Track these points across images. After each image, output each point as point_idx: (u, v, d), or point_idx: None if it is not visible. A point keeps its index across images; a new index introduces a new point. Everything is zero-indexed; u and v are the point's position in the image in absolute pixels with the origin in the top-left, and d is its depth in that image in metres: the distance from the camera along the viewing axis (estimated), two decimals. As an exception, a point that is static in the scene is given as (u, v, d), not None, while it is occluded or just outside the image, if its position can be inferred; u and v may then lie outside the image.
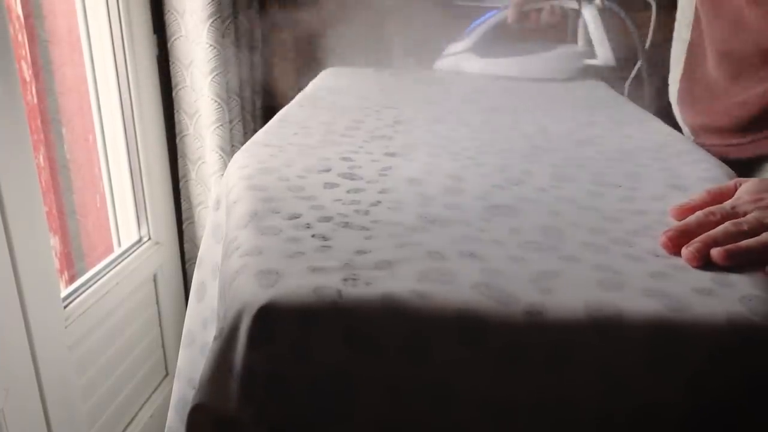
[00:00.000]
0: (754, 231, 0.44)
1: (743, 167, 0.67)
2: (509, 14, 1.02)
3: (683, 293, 0.38)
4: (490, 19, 1.04)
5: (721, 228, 0.45)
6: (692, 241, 0.44)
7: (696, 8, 0.74)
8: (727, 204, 0.48)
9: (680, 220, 0.48)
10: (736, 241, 0.43)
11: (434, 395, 0.37)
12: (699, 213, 0.47)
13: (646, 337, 0.36)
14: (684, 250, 0.43)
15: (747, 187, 0.49)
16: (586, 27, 1.04)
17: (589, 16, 1.01)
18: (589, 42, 1.04)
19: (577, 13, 1.04)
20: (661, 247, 0.45)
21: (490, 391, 0.37)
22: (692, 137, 0.78)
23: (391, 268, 0.40)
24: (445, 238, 0.44)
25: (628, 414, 0.37)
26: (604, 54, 1.01)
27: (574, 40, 1.12)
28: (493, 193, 0.53)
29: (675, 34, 0.83)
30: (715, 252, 0.42)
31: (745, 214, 0.46)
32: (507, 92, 0.95)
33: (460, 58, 1.07)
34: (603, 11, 1.00)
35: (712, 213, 0.47)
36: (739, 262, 0.42)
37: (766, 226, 0.45)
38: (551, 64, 1.04)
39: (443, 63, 1.10)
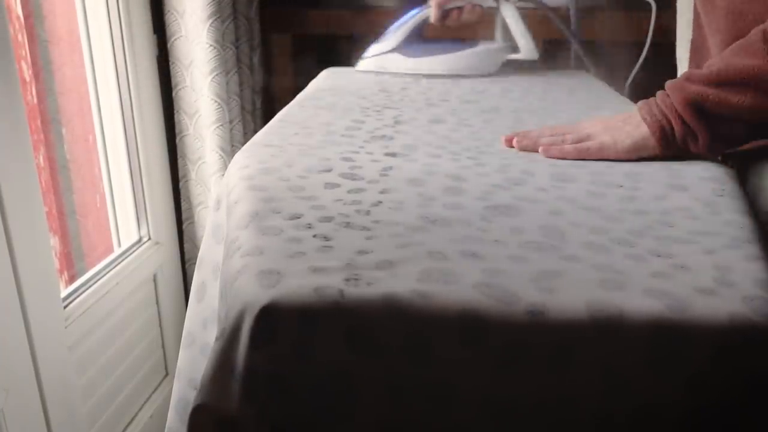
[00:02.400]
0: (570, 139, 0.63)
1: (742, 161, 0.66)
2: (432, 13, 1.04)
3: (685, 293, 0.38)
4: (412, 19, 1.06)
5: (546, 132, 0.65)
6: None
7: (695, 5, 0.74)
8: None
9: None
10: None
11: (435, 395, 0.37)
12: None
13: (648, 337, 0.36)
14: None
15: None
16: (504, 23, 1.08)
17: (508, 12, 1.06)
18: (509, 38, 1.09)
19: (496, 11, 1.08)
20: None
21: (491, 391, 0.37)
22: None
23: (392, 268, 0.40)
24: (446, 238, 0.44)
25: (629, 413, 0.37)
26: (527, 48, 1.07)
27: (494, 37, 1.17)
28: (493, 193, 0.53)
29: (678, 35, 0.83)
30: (516, 140, 0.65)
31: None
32: (507, 93, 0.95)
33: (385, 58, 1.07)
34: (522, 7, 1.07)
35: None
36: (528, 148, 0.64)
37: (577, 137, 0.62)
38: (474, 60, 1.07)
39: (366, 64, 1.09)
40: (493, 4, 1.06)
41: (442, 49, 1.07)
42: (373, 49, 1.09)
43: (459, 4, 1.03)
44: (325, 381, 0.37)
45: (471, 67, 1.07)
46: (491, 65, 1.08)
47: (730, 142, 0.61)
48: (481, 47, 1.09)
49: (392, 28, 1.08)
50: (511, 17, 1.06)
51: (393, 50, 1.06)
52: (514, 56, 1.09)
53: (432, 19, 1.04)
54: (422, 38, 1.08)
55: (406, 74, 1.06)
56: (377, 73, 1.07)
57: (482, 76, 1.06)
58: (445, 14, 1.04)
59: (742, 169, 0.69)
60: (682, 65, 0.82)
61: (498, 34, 1.14)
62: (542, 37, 1.05)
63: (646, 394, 0.37)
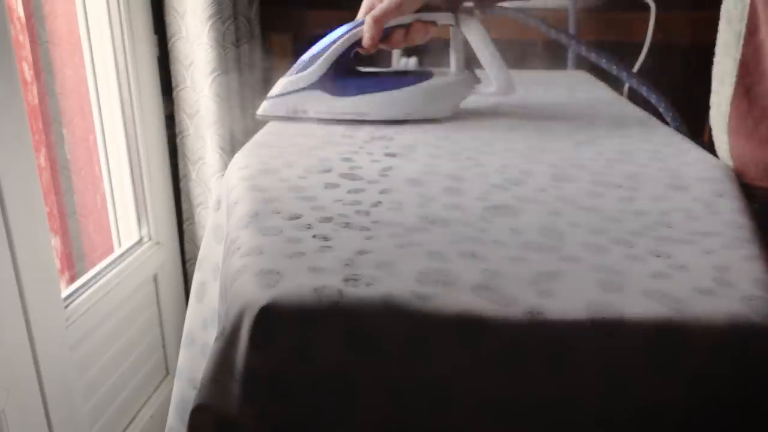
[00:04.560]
0: None
1: None
2: (365, 36, 0.73)
3: (684, 293, 0.38)
4: (338, 42, 0.74)
5: None
6: None
7: (751, 18, 0.61)
8: None
9: None
10: None
11: (435, 396, 0.37)
12: None
13: (647, 338, 0.36)
14: None
15: None
16: (462, 48, 0.78)
17: (473, 32, 0.75)
18: (464, 66, 0.79)
19: (455, 30, 0.77)
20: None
21: (491, 392, 0.37)
22: (735, 172, 0.63)
23: (391, 269, 0.40)
24: (446, 239, 0.44)
25: (629, 415, 0.37)
26: (501, 81, 0.78)
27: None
28: (493, 194, 0.53)
29: (719, 49, 0.67)
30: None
31: None
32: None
33: (302, 98, 0.75)
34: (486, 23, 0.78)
35: None
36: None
37: None
38: (425, 100, 0.77)
39: (273, 105, 0.76)
40: (451, 22, 0.75)
41: (381, 85, 0.76)
42: (283, 84, 0.76)
43: (405, 20, 0.73)
44: (325, 381, 0.37)
45: (420, 110, 0.76)
46: (449, 106, 0.79)
47: None
48: (435, 81, 0.77)
49: (308, 55, 0.75)
50: (477, 40, 0.75)
51: (313, 86, 0.74)
52: (484, 92, 0.80)
53: (365, 42, 0.73)
54: (348, 69, 0.77)
55: (331, 120, 0.75)
56: (288, 119, 0.76)
57: (436, 121, 0.78)
58: (385, 35, 0.73)
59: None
60: (724, 86, 0.65)
61: (453, 59, 0.79)
62: (541, 37, 1.03)
63: (646, 394, 0.37)
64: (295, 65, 0.75)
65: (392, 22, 0.73)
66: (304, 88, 0.75)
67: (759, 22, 0.60)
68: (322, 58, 0.74)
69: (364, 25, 0.73)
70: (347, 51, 0.75)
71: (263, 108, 0.76)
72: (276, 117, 0.76)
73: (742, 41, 0.63)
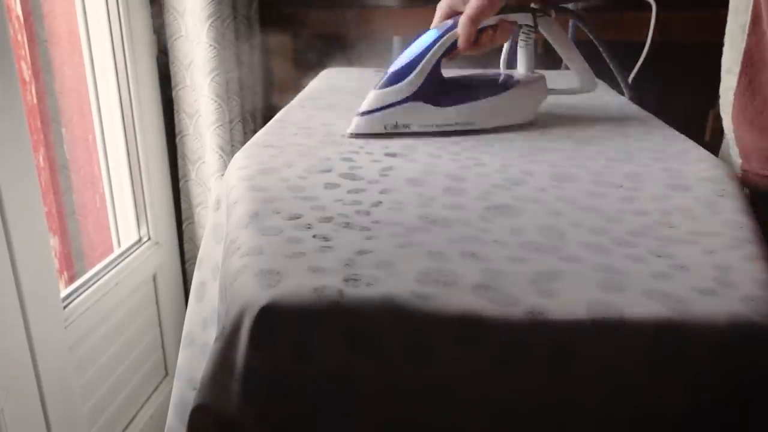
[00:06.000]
0: None
1: None
2: (461, 38, 0.70)
3: (684, 294, 0.38)
4: (433, 49, 0.70)
5: None
6: None
7: (755, 9, 0.62)
8: None
9: None
10: None
11: (435, 396, 0.37)
12: None
13: (648, 338, 0.36)
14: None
15: None
16: (533, 48, 0.79)
17: (555, 33, 0.77)
18: (529, 65, 0.80)
19: (528, 30, 0.78)
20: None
21: (491, 392, 0.37)
22: (740, 160, 0.66)
23: (391, 269, 0.40)
24: (446, 239, 0.44)
25: (629, 414, 0.37)
26: (586, 79, 0.80)
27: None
28: (493, 193, 0.53)
29: (727, 40, 0.69)
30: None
31: None
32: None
33: (402, 111, 0.70)
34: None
35: None
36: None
37: None
38: (524, 104, 0.77)
39: (368, 122, 0.70)
40: (529, 22, 0.75)
41: (479, 92, 0.74)
42: (377, 97, 0.70)
43: (491, 21, 0.71)
44: (325, 381, 0.37)
45: (516, 115, 0.76)
46: (536, 108, 0.79)
47: None
48: (525, 85, 0.77)
49: (398, 65, 0.71)
50: (559, 39, 0.77)
51: (412, 98, 0.70)
52: (567, 90, 0.82)
53: (461, 44, 0.70)
54: (440, 77, 0.73)
55: (435, 132, 0.71)
56: (388, 136, 0.70)
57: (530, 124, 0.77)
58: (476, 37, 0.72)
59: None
60: (730, 76, 0.67)
61: (523, 60, 0.80)
62: (541, 37, 1.03)
63: (647, 394, 0.37)
64: (385, 77, 0.71)
65: (486, 22, 0.71)
66: (403, 101, 0.70)
67: (761, 13, 0.61)
68: (419, 68, 0.70)
69: (458, 26, 0.70)
70: (439, 58, 0.71)
71: (356, 125, 0.70)
72: (373, 134, 0.70)
73: (746, 32, 0.64)
